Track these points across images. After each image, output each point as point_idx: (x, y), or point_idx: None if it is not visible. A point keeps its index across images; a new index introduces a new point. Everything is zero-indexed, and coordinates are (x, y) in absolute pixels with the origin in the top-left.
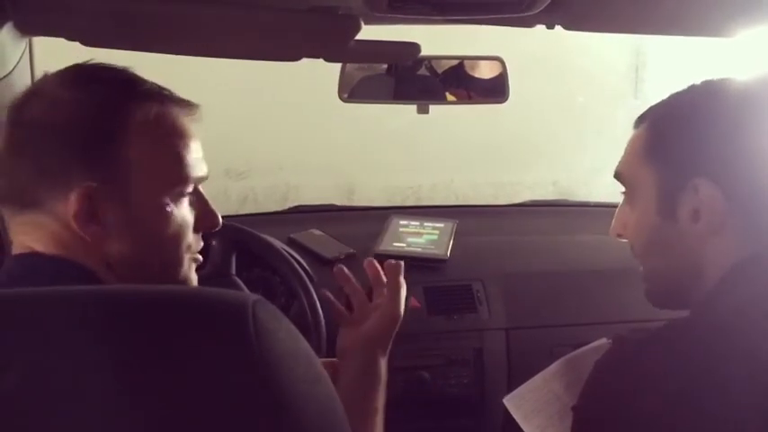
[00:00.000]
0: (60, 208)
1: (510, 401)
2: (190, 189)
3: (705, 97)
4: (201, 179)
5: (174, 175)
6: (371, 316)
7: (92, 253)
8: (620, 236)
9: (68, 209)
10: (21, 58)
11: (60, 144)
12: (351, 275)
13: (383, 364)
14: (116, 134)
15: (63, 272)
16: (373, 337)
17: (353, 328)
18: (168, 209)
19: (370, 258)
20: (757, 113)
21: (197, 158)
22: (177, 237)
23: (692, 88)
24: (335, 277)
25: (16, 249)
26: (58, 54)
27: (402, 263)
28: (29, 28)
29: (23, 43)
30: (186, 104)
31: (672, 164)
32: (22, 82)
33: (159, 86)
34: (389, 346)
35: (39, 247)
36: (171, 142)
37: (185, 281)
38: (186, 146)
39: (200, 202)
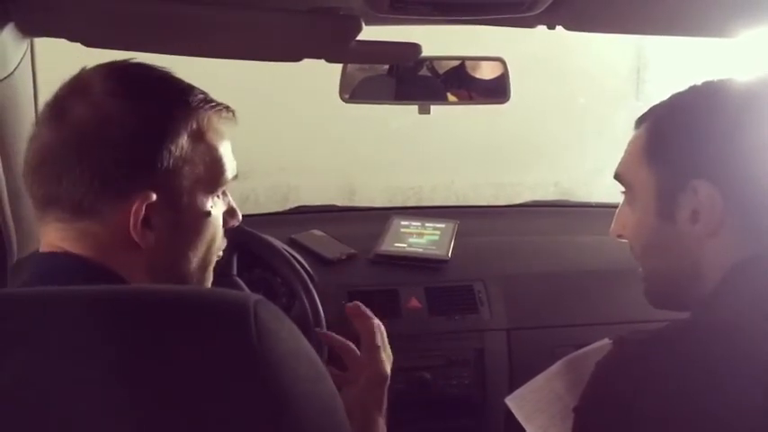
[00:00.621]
0: (117, 218)
1: (512, 401)
2: (225, 189)
3: (705, 98)
4: (235, 178)
5: (217, 179)
6: (364, 373)
7: (135, 258)
8: (620, 236)
9: (127, 219)
10: (22, 58)
11: (120, 157)
12: (340, 339)
13: (381, 422)
14: (172, 146)
15: (83, 271)
16: (367, 399)
17: (351, 388)
18: (210, 211)
19: (355, 303)
20: (757, 115)
21: (232, 159)
22: (214, 237)
23: (692, 89)
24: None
25: (44, 248)
26: (59, 54)
27: (382, 327)
28: (30, 29)
29: (25, 44)
30: (225, 108)
31: (671, 165)
32: (24, 83)
33: (202, 92)
34: (385, 403)
35: (69, 247)
36: (216, 148)
37: (208, 280)
38: (225, 149)
39: (225, 199)
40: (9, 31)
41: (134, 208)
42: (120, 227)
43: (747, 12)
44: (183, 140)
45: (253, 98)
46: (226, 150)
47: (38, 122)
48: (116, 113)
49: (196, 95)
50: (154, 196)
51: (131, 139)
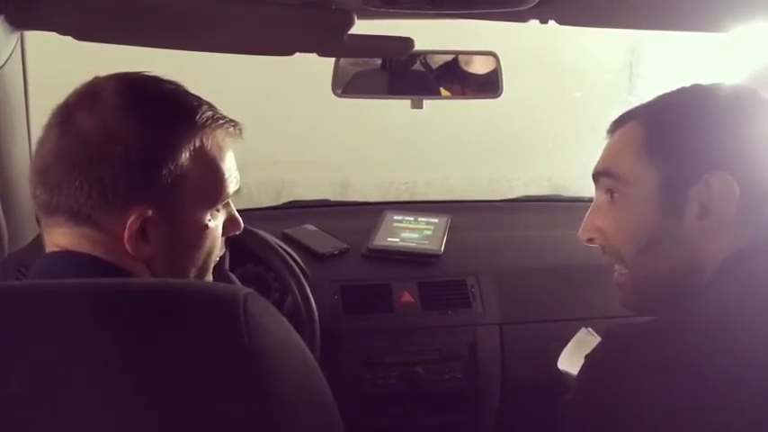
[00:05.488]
0: (114, 227)
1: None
2: (226, 202)
3: (702, 95)
4: (237, 191)
5: (218, 195)
6: None
7: (137, 263)
8: (590, 241)
9: (123, 230)
10: (12, 52)
11: (121, 172)
12: None
13: None
14: (174, 164)
15: (93, 267)
16: None
17: None
18: (208, 224)
19: None
20: (754, 108)
21: (235, 173)
22: (213, 248)
23: (682, 89)
24: None
25: (50, 248)
26: (50, 48)
27: None
28: (21, 22)
29: (15, 37)
30: (233, 125)
31: (679, 159)
32: (14, 76)
33: (210, 107)
34: None
35: (73, 248)
36: (219, 165)
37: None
38: (228, 163)
39: (227, 209)
40: None
41: (129, 222)
42: (119, 236)
43: (740, 6)
44: (184, 158)
45: (246, 93)
46: (228, 165)
47: (47, 126)
48: (121, 131)
49: (203, 113)
50: (150, 212)
51: (133, 158)
